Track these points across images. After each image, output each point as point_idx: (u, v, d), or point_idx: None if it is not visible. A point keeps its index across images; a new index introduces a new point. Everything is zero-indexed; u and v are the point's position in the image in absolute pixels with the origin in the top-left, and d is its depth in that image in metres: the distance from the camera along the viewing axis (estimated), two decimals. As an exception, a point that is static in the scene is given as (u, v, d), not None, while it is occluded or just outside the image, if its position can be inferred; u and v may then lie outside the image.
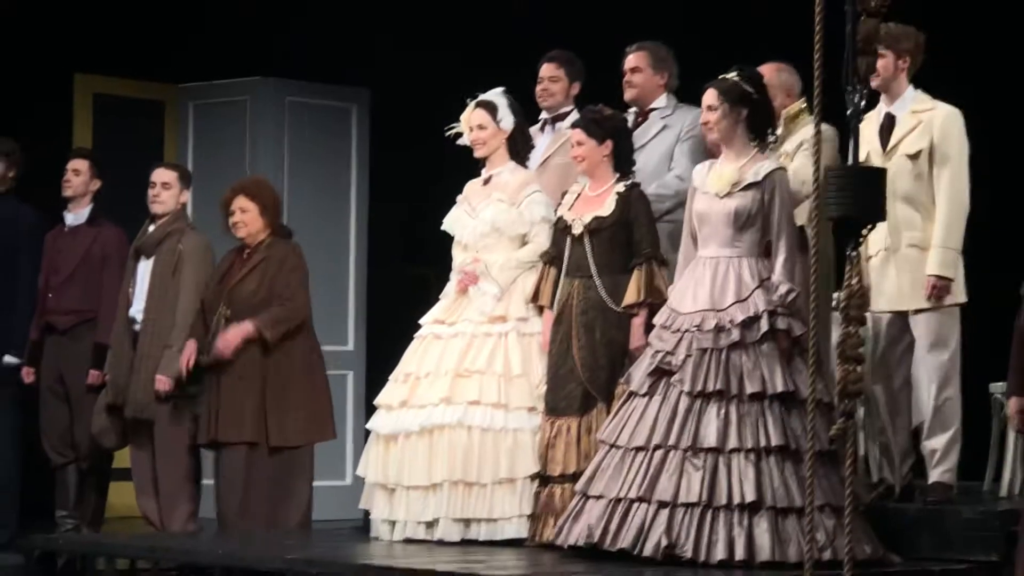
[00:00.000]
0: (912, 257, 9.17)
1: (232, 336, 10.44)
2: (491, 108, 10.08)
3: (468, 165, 10.27)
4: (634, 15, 10.93)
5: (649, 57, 10.16)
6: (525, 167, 10.20)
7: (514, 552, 9.37)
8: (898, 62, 9.37)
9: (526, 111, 10.34)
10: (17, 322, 11.37)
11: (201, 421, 10.39)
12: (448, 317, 10.11)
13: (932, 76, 9.51)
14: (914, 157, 9.26)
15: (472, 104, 10.14)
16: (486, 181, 10.16)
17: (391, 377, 10.19)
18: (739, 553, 8.45)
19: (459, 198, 10.25)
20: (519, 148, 10.23)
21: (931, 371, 9.31)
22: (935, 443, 9.33)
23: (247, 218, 10.46)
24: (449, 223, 10.23)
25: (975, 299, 9.33)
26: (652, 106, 10.17)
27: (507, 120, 10.08)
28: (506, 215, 9.98)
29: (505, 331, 9.89)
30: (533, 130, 10.45)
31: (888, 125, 9.36)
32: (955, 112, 9.37)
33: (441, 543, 9.61)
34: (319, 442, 10.57)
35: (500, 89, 10.19)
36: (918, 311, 9.30)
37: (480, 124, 10.08)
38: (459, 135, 10.19)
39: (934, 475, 9.34)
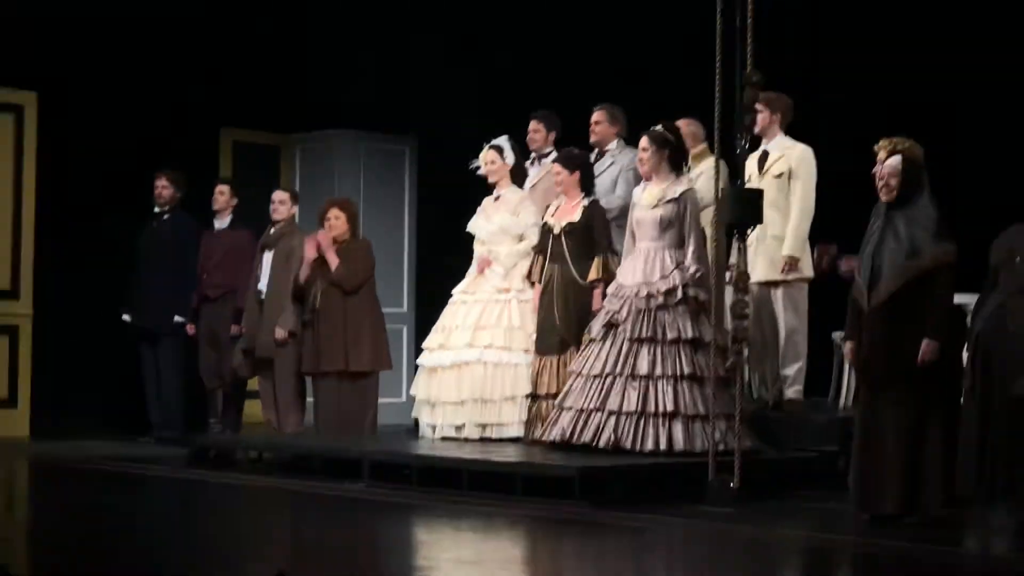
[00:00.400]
0: (773, 245, 9.27)
1: (325, 245, 10.45)
2: (499, 149, 10.16)
3: (484, 188, 10.24)
4: (598, 87, 10.89)
5: (607, 114, 10.16)
6: (522, 188, 10.25)
7: (514, 446, 9.40)
8: (772, 117, 9.39)
9: (522, 151, 10.36)
10: (184, 294, 11.42)
11: (304, 357, 10.44)
12: (470, 289, 10.14)
13: (801, 125, 9.54)
14: (778, 177, 9.33)
15: (486, 147, 10.17)
16: (496, 198, 10.19)
17: (433, 329, 10.27)
18: (662, 445, 8.52)
19: (479, 209, 10.24)
20: (518, 176, 10.28)
21: (787, 324, 9.42)
22: (789, 371, 9.46)
23: (337, 223, 10.52)
24: (472, 226, 10.23)
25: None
26: (607, 148, 10.18)
27: (509, 157, 10.18)
28: (509, 221, 10.04)
29: (509, 299, 9.93)
30: (527, 164, 10.46)
31: (763, 157, 9.41)
32: (808, 149, 9.39)
33: (466, 440, 9.68)
34: (381, 370, 10.60)
35: (505, 136, 10.20)
36: (777, 283, 9.38)
37: (491, 160, 10.15)
38: (478, 167, 10.23)
39: (788, 393, 9.47)
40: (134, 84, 12.34)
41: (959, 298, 7.64)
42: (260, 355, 10.77)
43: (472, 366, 9.82)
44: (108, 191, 11.99)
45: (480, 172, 10.28)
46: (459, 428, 9.77)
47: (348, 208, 10.70)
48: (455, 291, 10.29)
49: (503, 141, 10.23)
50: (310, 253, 10.42)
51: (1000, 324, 7.04)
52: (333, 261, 10.37)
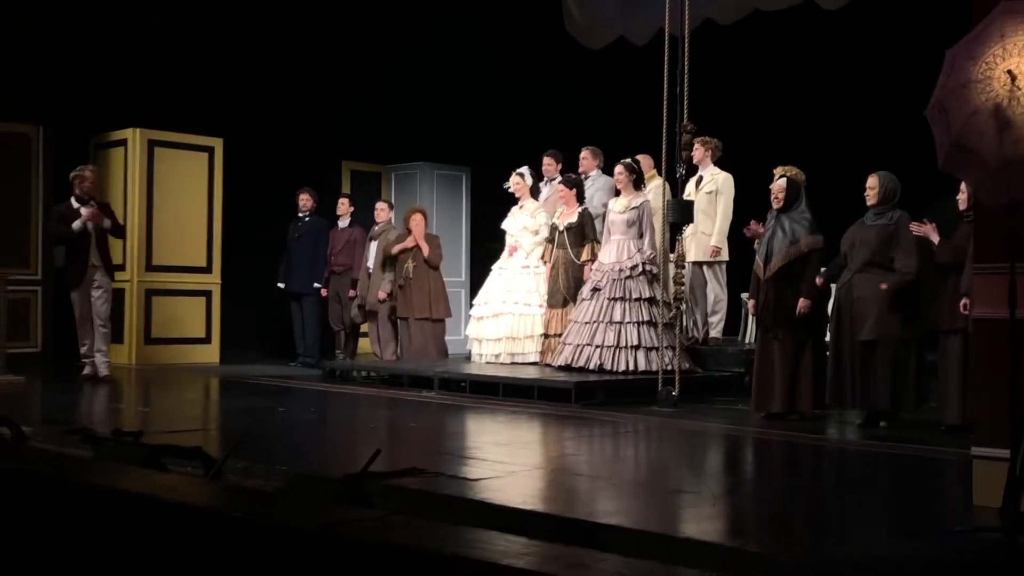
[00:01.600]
0: (703, 239, 9.32)
1: (418, 236, 10.49)
2: (521, 175, 10.21)
3: (512, 200, 10.27)
4: (587, 133, 10.91)
5: (590, 152, 10.21)
6: (537, 200, 10.25)
7: (533, 368, 9.42)
8: (705, 152, 9.42)
9: (538, 175, 10.40)
10: (319, 269, 11.46)
11: (400, 308, 10.51)
12: (503, 265, 10.14)
13: (726, 158, 9.58)
14: (709, 194, 9.38)
15: (514, 173, 10.23)
16: (520, 207, 10.17)
17: (480, 291, 10.26)
18: (630, 366, 8.61)
19: (509, 214, 10.22)
20: (534, 192, 10.31)
21: (713, 291, 9.45)
22: (713, 319, 9.53)
23: (417, 224, 10.59)
24: (505, 224, 10.21)
25: (739, 259, 9.32)
26: (590, 174, 10.20)
27: (528, 180, 10.23)
28: (529, 221, 10.01)
29: (529, 272, 9.94)
30: (541, 184, 10.49)
31: (699, 180, 9.42)
32: (729, 176, 9.43)
33: (501, 363, 9.70)
34: (447, 318, 10.67)
35: (525, 167, 10.29)
36: (706, 263, 9.41)
37: (517, 182, 10.20)
38: (508, 187, 10.26)
39: (712, 333, 9.53)
40: (286, 130, 12.45)
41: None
42: (369, 309, 10.89)
43: (506, 315, 9.83)
44: (269, 202, 12.08)
45: (510, 190, 10.28)
46: (497, 356, 9.79)
47: (423, 213, 10.79)
48: (494, 267, 10.26)
49: (524, 169, 10.26)
50: (410, 242, 10.45)
51: (849, 292, 7.06)
52: (425, 248, 10.43)
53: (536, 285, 9.87)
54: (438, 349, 10.45)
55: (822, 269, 7.37)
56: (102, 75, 11.72)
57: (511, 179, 10.27)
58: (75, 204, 9.57)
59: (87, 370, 9.60)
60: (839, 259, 7.23)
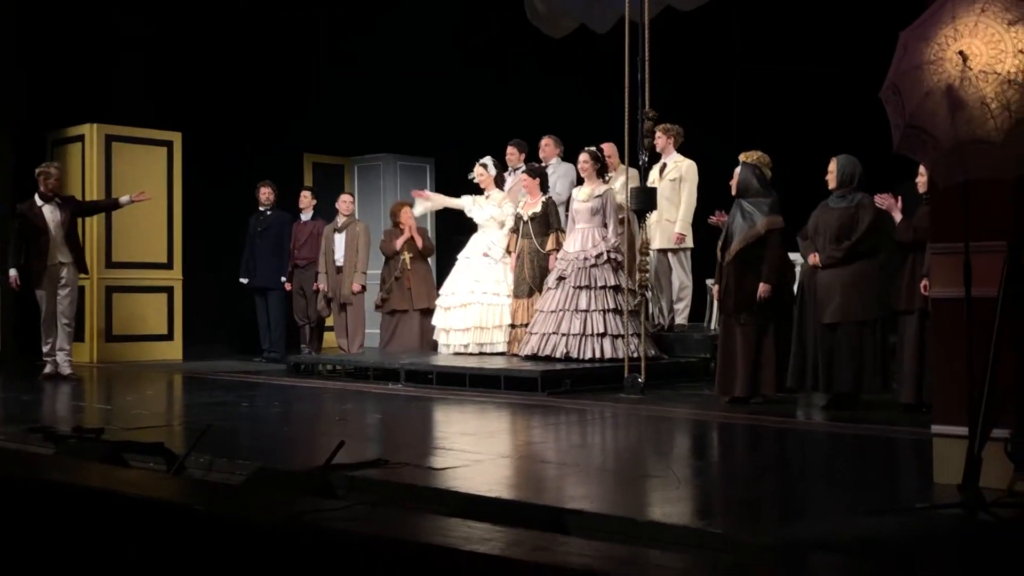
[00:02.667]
0: (668, 226, 9.35)
1: (415, 231, 10.58)
2: (484, 166, 10.17)
3: (477, 191, 10.25)
4: (548, 122, 10.93)
5: (552, 140, 10.23)
6: (502, 190, 10.17)
7: (501, 358, 9.43)
8: (668, 140, 9.43)
9: (503, 165, 10.39)
10: (283, 263, 11.41)
11: (394, 300, 10.39)
12: (469, 254, 10.09)
13: (688, 145, 9.62)
14: (673, 181, 9.40)
15: (478, 164, 10.20)
16: (486, 197, 10.14)
17: (446, 281, 10.16)
18: (596, 354, 8.65)
19: (473, 203, 10.17)
20: (498, 182, 10.24)
21: (678, 277, 9.49)
22: (679, 306, 9.57)
23: (407, 217, 10.59)
24: (471, 214, 10.17)
25: (704, 246, 9.38)
26: (551, 162, 10.20)
27: (492, 170, 10.18)
28: (496, 212, 9.99)
29: (496, 262, 9.93)
30: (505, 174, 10.47)
31: (663, 167, 9.44)
32: (692, 162, 9.45)
33: (471, 354, 9.65)
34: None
35: (488, 157, 10.25)
36: (670, 251, 9.45)
37: (481, 173, 10.17)
38: (473, 178, 10.24)
39: (678, 319, 9.57)
40: (245, 124, 12.38)
41: (792, 256, 7.78)
42: (342, 301, 10.87)
43: (474, 305, 9.76)
44: (229, 196, 12.04)
45: (474, 180, 10.26)
46: (465, 346, 9.73)
47: (411, 205, 10.76)
48: (460, 256, 10.16)
49: (488, 160, 10.22)
50: (407, 234, 10.49)
51: (813, 275, 7.12)
52: (419, 240, 10.51)
53: (503, 275, 9.83)
54: (427, 341, 10.40)
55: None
56: (59, 71, 11.62)
57: (475, 170, 10.22)
58: (39, 202, 9.54)
59: (48, 368, 9.55)
60: (805, 243, 7.26)
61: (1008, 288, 3.99)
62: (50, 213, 9.57)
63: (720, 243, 7.48)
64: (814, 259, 7.10)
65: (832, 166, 7.12)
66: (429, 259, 10.77)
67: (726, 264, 7.35)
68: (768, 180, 7.51)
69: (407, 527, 3.03)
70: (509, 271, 9.81)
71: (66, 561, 3.57)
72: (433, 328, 10.20)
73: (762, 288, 7.19)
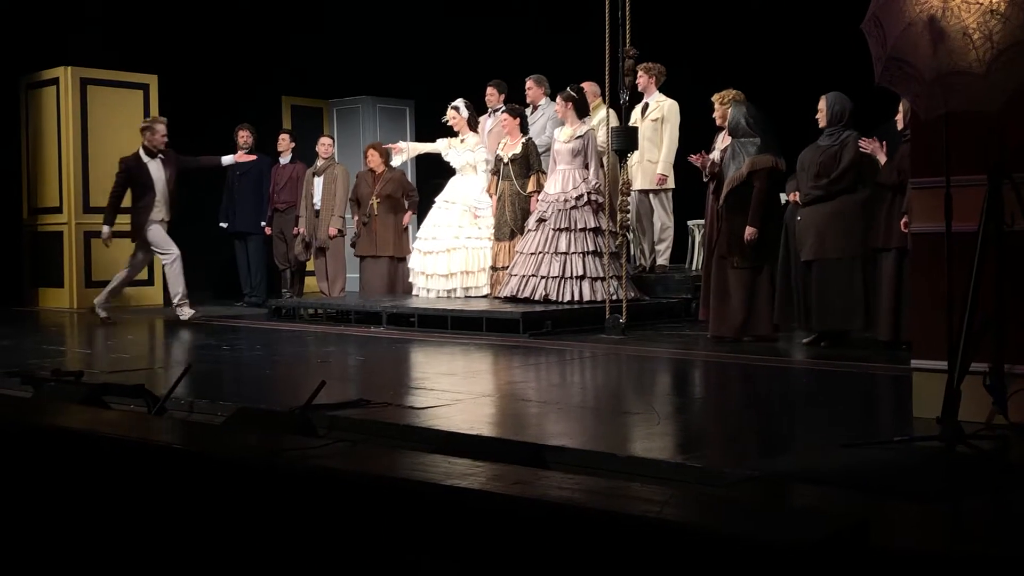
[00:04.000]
0: (649, 167, 9.30)
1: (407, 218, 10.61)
2: (457, 108, 10.08)
3: (452, 134, 10.14)
4: (531, 61, 10.79)
5: (535, 81, 10.11)
6: (477, 132, 10.11)
7: (483, 300, 9.41)
8: (650, 79, 9.35)
9: (481, 107, 10.29)
10: (263, 208, 11.29)
11: (360, 245, 10.49)
12: (449, 198, 10.06)
13: (670, 84, 9.55)
14: (655, 121, 9.34)
15: (450, 107, 10.12)
16: (461, 140, 10.06)
17: (423, 225, 10.11)
18: (575, 297, 8.63)
19: (448, 147, 10.17)
20: (472, 124, 10.12)
21: (659, 218, 9.46)
22: (660, 247, 9.55)
23: (375, 159, 10.51)
24: (447, 157, 10.17)
25: (685, 186, 9.32)
26: (538, 104, 10.12)
27: (464, 113, 10.06)
28: (471, 156, 9.95)
29: (478, 206, 9.94)
30: (483, 117, 10.37)
31: (644, 107, 9.39)
32: (674, 102, 9.38)
33: (454, 297, 9.69)
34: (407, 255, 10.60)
35: (460, 99, 10.16)
36: (652, 191, 9.41)
37: (453, 117, 10.08)
38: (446, 120, 10.11)
39: (659, 261, 9.55)
40: (223, 66, 12.22)
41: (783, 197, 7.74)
42: (319, 245, 10.81)
43: (459, 250, 9.76)
44: (207, 140, 11.86)
45: (448, 123, 10.15)
46: (451, 291, 9.72)
47: (380, 148, 10.65)
48: (438, 199, 10.10)
49: (459, 103, 10.12)
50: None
51: (794, 214, 7.11)
52: (388, 186, 10.42)
53: (486, 221, 9.81)
54: (399, 286, 10.38)
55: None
56: (30, 12, 11.41)
57: (448, 113, 10.14)
58: (145, 157, 9.52)
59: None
60: (791, 182, 7.25)
61: (988, 223, 3.98)
62: (156, 169, 9.53)
63: (713, 185, 7.47)
64: (793, 197, 7.09)
65: (822, 104, 7.06)
66: (408, 206, 10.63)
67: (718, 207, 7.35)
68: (760, 120, 7.37)
69: (388, 463, 3.03)
70: (491, 215, 9.76)
71: (48, 502, 3.56)
72: (408, 271, 10.21)
73: (748, 231, 7.17)
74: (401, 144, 10.66)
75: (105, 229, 9.66)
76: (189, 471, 3.26)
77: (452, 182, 10.14)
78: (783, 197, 7.66)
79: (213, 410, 4.93)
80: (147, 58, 11.76)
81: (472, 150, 9.98)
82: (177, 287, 9.64)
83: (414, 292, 10.01)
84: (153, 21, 11.83)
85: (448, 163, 10.24)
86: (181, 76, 11.93)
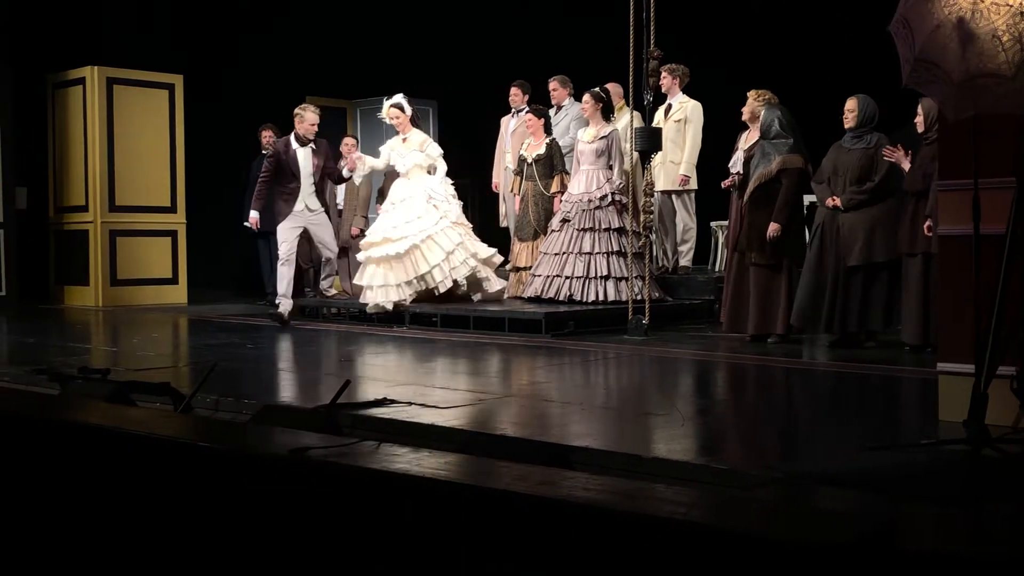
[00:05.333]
0: (672, 168, 9.29)
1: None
2: (399, 106, 9.43)
3: (486, 132, 10.04)
4: (556, 62, 10.79)
5: (559, 82, 10.11)
6: (421, 130, 9.59)
7: (504, 300, 9.38)
8: (674, 80, 9.36)
9: (505, 107, 10.22)
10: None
11: None
12: (395, 200, 9.34)
13: (694, 85, 9.52)
14: (677, 122, 9.34)
15: (391, 104, 9.45)
16: (404, 140, 9.45)
17: (373, 230, 9.44)
18: (599, 296, 8.65)
19: (388, 148, 9.57)
20: (416, 122, 9.58)
21: (682, 220, 9.46)
22: (683, 248, 9.54)
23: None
24: (392, 161, 9.49)
25: (708, 188, 9.33)
26: (563, 104, 10.13)
27: (407, 110, 9.43)
28: (420, 156, 9.35)
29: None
30: (506, 117, 10.32)
31: (668, 108, 9.40)
32: (698, 103, 9.38)
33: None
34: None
35: (400, 95, 9.49)
36: (675, 192, 9.40)
37: (395, 116, 9.43)
38: (384, 118, 9.56)
39: (682, 262, 9.55)
40: (248, 66, 12.28)
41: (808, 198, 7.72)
42: (342, 245, 10.76)
43: (425, 242, 9.03)
44: (231, 139, 11.95)
45: (387, 123, 9.58)
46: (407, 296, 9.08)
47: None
48: (382, 209, 9.45)
49: (400, 99, 9.48)
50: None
51: (834, 218, 7.01)
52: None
53: (425, 211, 9.16)
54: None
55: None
56: (59, 13, 11.50)
57: (387, 111, 9.51)
58: (294, 144, 9.31)
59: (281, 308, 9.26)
60: (820, 183, 7.20)
61: (1017, 225, 3.96)
62: (303, 158, 9.29)
63: (739, 184, 7.49)
64: (833, 201, 7.02)
65: (852, 104, 7.02)
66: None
67: (742, 204, 7.37)
68: (791, 123, 7.37)
69: (413, 463, 3.04)
70: (451, 206, 9.27)
71: (74, 498, 3.59)
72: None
73: (772, 227, 7.19)
74: (357, 158, 9.71)
75: (253, 215, 9.50)
76: (215, 469, 3.28)
77: (399, 183, 9.48)
78: (805, 199, 7.67)
79: (238, 408, 4.95)
80: (173, 58, 11.83)
81: (420, 149, 9.39)
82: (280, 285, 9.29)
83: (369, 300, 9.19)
84: (179, 21, 11.91)
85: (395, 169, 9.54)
86: (206, 76, 12.00)
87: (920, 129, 6.53)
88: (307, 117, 9.33)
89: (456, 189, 10.24)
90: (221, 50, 12.11)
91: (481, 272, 9.30)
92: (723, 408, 5.41)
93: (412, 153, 9.32)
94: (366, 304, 9.16)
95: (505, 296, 9.45)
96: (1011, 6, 3.62)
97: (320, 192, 9.49)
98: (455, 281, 9.14)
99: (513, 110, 10.32)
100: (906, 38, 3.85)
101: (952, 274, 4.46)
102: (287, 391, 5.86)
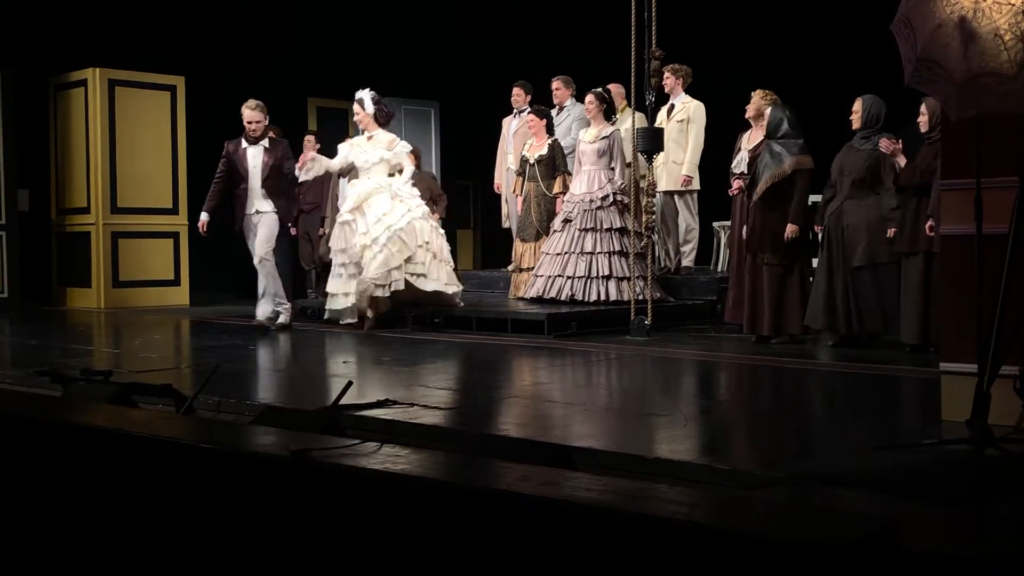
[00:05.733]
0: (674, 168, 9.30)
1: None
2: (360, 102, 8.67)
3: (490, 134, 10.03)
4: (558, 62, 10.80)
5: (563, 82, 10.15)
6: (384, 128, 8.75)
7: (506, 300, 9.40)
8: (677, 80, 9.37)
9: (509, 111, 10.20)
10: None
11: None
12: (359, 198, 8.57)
13: (696, 86, 9.53)
14: (680, 122, 9.36)
15: (355, 101, 8.77)
16: (369, 138, 8.71)
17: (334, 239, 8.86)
18: (601, 297, 8.66)
19: (349, 145, 8.84)
20: (380, 119, 8.70)
21: (684, 220, 9.45)
22: (685, 248, 9.56)
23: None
24: (354, 158, 8.72)
25: (710, 188, 9.34)
26: (565, 104, 10.15)
27: (369, 107, 8.63)
28: (388, 155, 8.62)
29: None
30: (508, 118, 10.33)
31: (670, 108, 9.41)
32: (700, 103, 9.40)
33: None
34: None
35: (366, 90, 8.75)
36: (676, 192, 9.39)
37: (356, 112, 8.71)
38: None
39: (684, 262, 9.56)
40: (250, 68, 12.27)
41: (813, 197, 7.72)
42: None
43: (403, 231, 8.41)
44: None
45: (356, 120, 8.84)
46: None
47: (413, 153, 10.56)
48: (339, 218, 8.80)
49: (363, 94, 8.73)
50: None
51: (840, 218, 7.06)
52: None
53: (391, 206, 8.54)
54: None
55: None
56: (60, 14, 11.51)
57: (354, 107, 8.80)
58: (244, 143, 8.83)
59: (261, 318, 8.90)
60: (829, 185, 7.23)
61: (1019, 225, 3.95)
62: (252, 157, 8.75)
63: (744, 183, 7.49)
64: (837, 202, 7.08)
65: (857, 106, 7.05)
66: (438, 209, 10.11)
67: (752, 204, 7.37)
68: (797, 123, 7.40)
69: (415, 464, 3.04)
70: (415, 198, 8.66)
71: (76, 500, 3.59)
72: None
73: (789, 228, 7.24)
74: (311, 158, 8.91)
75: (203, 216, 9.02)
76: (217, 470, 3.28)
77: (357, 183, 8.72)
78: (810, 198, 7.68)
79: (240, 409, 4.96)
80: (174, 60, 11.83)
81: (387, 148, 8.67)
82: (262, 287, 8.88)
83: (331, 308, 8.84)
84: (180, 23, 11.91)
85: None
86: (208, 78, 12.00)
87: (924, 128, 6.53)
88: (244, 114, 8.80)
89: (459, 190, 10.24)
90: (223, 51, 12.11)
91: (432, 273, 8.60)
92: (725, 408, 5.41)
93: (378, 150, 8.63)
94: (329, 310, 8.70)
95: (460, 304, 8.86)
96: (1013, 5, 3.62)
97: (271, 193, 8.74)
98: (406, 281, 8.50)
99: (515, 111, 10.34)
100: (908, 37, 3.85)
101: (954, 274, 4.46)
102: (289, 393, 5.86)
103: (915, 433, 4.41)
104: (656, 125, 8.71)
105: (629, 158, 8.76)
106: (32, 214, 11.87)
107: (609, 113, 9.13)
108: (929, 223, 6.29)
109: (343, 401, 4.25)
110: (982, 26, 3.64)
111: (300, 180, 8.97)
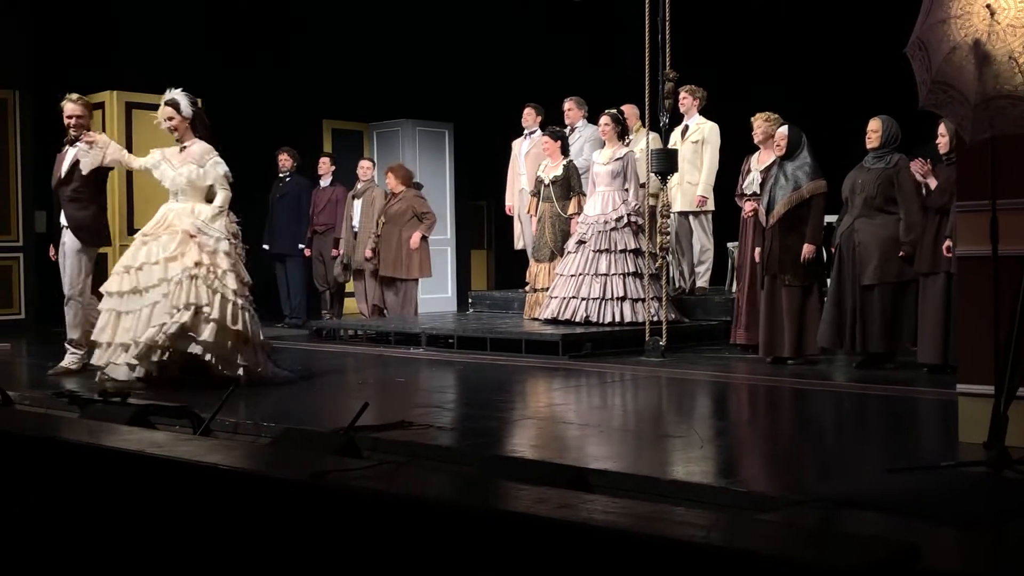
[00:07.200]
0: (689, 189, 9.29)
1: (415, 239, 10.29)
2: (174, 104, 7.01)
3: (501, 156, 10.04)
4: (571, 84, 10.83)
5: (575, 103, 10.16)
6: (202, 139, 7.09)
7: (521, 321, 9.41)
8: (692, 101, 9.38)
9: (518, 129, 10.24)
10: (302, 230, 11.37)
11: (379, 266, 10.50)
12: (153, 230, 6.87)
13: (712, 107, 9.55)
14: (695, 143, 9.34)
15: (164, 102, 7.06)
16: (181, 150, 7.04)
17: (115, 270, 7.13)
18: (616, 318, 8.64)
19: (159, 157, 7.12)
20: (199, 127, 7.11)
21: (699, 241, 9.45)
22: (699, 269, 9.53)
23: (391, 180, 10.53)
24: (159, 175, 7.10)
25: (725, 209, 9.35)
26: (576, 125, 10.17)
27: (187, 111, 7.01)
28: (196, 173, 6.90)
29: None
30: (518, 140, 10.36)
31: (685, 129, 9.40)
32: (715, 124, 9.38)
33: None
34: (421, 277, 10.67)
35: (180, 90, 7.12)
36: (691, 213, 9.40)
37: (169, 116, 6.99)
38: (159, 122, 7.14)
39: (699, 283, 9.55)
40: (265, 90, 12.36)
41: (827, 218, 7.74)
42: (357, 267, 10.86)
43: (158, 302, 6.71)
44: (250, 163, 11.97)
45: (162, 127, 7.15)
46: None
47: (403, 171, 10.66)
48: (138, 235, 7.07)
49: (178, 95, 7.11)
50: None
51: (851, 237, 7.09)
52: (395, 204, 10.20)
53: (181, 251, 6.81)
54: (412, 308, 10.43)
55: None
56: (79, 38, 11.61)
57: (160, 111, 7.10)
58: (65, 147, 7.72)
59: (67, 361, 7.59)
60: (844, 206, 7.25)
61: (1035, 246, 3.96)
62: (68, 160, 7.55)
63: (761, 205, 7.51)
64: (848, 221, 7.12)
65: (876, 125, 7.08)
66: (423, 228, 10.43)
67: (769, 227, 7.38)
68: (809, 143, 7.46)
69: (431, 486, 3.05)
70: (224, 241, 7.02)
71: (95, 519, 3.60)
72: (414, 293, 10.17)
73: (807, 249, 7.28)
74: (96, 134, 7.68)
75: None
76: (236, 492, 3.30)
77: (164, 206, 7.06)
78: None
79: (258, 431, 4.98)
80: (191, 82, 11.88)
81: (199, 163, 6.97)
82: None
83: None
84: (197, 45, 12.00)
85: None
86: (224, 100, 12.07)
87: (944, 149, 6.54)
88: (64, 108, 7.53)
89: (472, 211, 10.25)
90: (239, 74, 12.19)
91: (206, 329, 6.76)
92: (741, 430, 5.40)
93: (186, 166, 6.96)
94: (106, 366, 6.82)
95: (266, 372, 7.00)
96: (1027, 28, 3.63)
97: (79, 207, 7.47)
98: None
99: (525, 132, 10.35)
100: (923, 60, 3.87)
101: (971, 295, 4.46)
102: (306, 414, 5.87)
103: (933, 455, 4.40)
104: (670, 146, 8.74)
105: (643, 179, 8.77)
106: (49, 236, 11.93)
107: (623, 134, 9.15)
108: (947, 243, 6.29)
109: (360, 423, 4.26)
110: (996, 49, 3.65)
111: (79, 160, 7.46)
